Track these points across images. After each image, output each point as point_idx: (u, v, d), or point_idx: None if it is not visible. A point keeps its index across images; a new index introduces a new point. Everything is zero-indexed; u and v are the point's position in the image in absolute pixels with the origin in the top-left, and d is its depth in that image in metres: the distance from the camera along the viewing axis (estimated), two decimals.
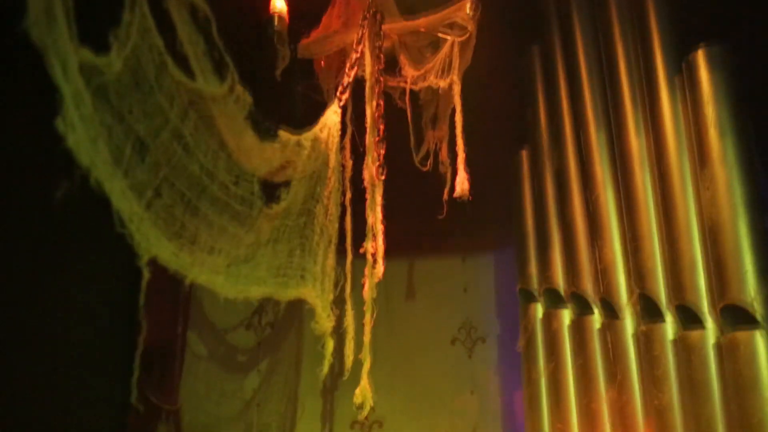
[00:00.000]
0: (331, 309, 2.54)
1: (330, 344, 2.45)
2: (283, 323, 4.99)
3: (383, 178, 2.96)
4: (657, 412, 3.27)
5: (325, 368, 2.43)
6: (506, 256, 4.74)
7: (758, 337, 2.86)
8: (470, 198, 3.38)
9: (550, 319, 4.00)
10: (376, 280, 2.94)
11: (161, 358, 4.57)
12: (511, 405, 4.70)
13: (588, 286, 3.75)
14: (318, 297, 2.42)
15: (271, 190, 2.25)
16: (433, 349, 4.89)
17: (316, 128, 2.53)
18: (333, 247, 2.59)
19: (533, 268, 4.15)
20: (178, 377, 4.68)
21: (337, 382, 4.88)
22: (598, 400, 3.64)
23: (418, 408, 4.81)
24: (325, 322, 2.44)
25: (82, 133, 1.76)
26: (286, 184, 2.32)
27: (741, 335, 2.89)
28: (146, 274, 1.79)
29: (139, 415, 4.51)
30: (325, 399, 4.86)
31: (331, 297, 2.56)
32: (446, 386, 4.83)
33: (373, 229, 2.95)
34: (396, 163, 3.31)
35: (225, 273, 2.05)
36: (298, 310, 4.98)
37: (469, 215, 4.62)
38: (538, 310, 4.13)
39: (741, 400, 2.85)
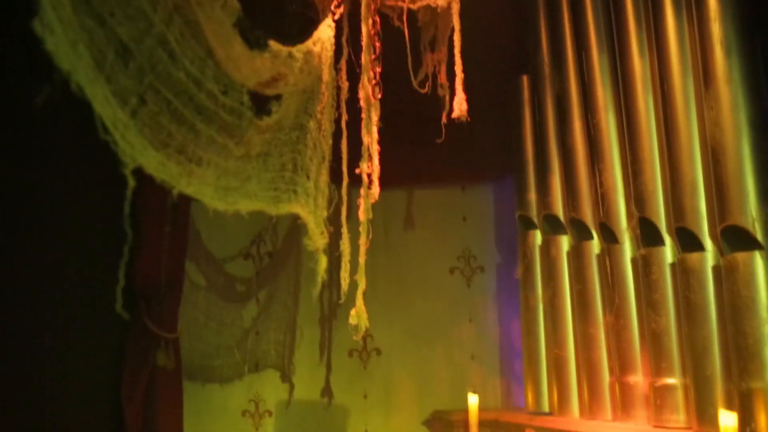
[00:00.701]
0: (325, 226, 2.50)
1: (323, 261, 2.42)
2: (281, 253, 4.98)
3: (379, 96, 2.89)
4: (654, 336, 3.26)
5: (318, 285, 2.41)
6: (506, 185, 4.70)
7: (758, 258, 2.82)
8: (468, 119, 3.31)
9: (549, 246, 3.98)
10: (371, 201, 2.90)
11: (159, 288, 4.57)
12: (509, 333, 4.72)
13: (587, 211, 3.71)
14: (311, 213, 2.38)
15: (262, 103, 2.18)
16: (432, 279, 4.89)
17: (309, 42, 2.45)
18: (326, 164, 2.54)
19: (533, 195, 4.11)
20: (177, 306, 4.69)
21: (336, 310, 4.89)
22: (595, 325, 3.64)
23: (416, 336, 4.84)
24: (318, 238, 2.41)
25: (62, 36, 1.69)
26: (278, 97, 2.25)
27: (740, 256, 2.85)
28: (131, 183, 1.75)
29: (138, 343, 4.54)
30: (323, 327, 4.89)
31: (324, 214, 2.52)
32: (445, 315, 4.85)
33: (368, 150, 2.90)
34: (395, 93, 3.25)
35: (214, 185, 2.00)
36: (297, 240, 4.97)
37: (469, 144, 4.56)
38: (537, 236, 4.11)
39: (738, 321, 2.83)
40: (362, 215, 2.94)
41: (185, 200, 4.73)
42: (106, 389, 4.61)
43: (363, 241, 2.93)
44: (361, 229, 2.93)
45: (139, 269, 4.53)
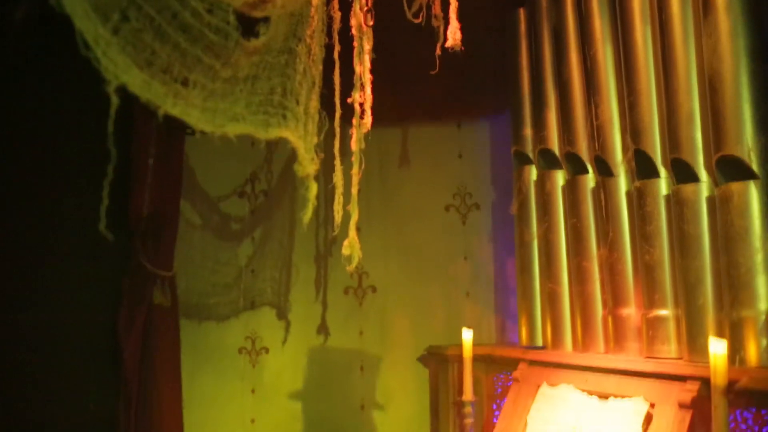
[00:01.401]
0: (315, 152, 2.48)
1: (314, 188, 2.40)
2: (276, 191, 4.97)
3: (371, 24, 2.84)
4: (647, 268, 3.26)
5: (309, 212, 2.39)
6: (502, 122, 4.65)
7: (752, 188, 2.81)
8: (462, 49, 3.25)
9: (544, 181, 3.96)
10: (364, 131, 2.88)
11: (154, 226, 4.57)
12: (504, 270, 4.74)
13: (583, 145, 3.68)
14: (300, 138, 2.35)
15: (249, 25, 2.14)
16: (427, 216, 4.89)
17: None
18: (317, 90, 2.50)
19: (528, 130, 4.07)
20: (172, 245, 4.69)
21: (331, 248, 4.90)
22: (589, 258, 3.64)
23: (411, 274, 4.86)
24: (308, 164, 2.38)
25: None
26: (266, 20, 2.20)
27: (735, 186, 2.83)
28: (115, 101, 1.71)
29: (134, 280, 4.56)
30: (318, 265, 4.90)
31: (315, 140, 2.49)
32: (440, 252, 4.85)
33: (361, 79, 2.86)
34: (390, 29, 3.19)
35: (201, 107, 1.97)
36: (292, 179, 4.95)
37: (464, 79, 4.51)
38: (533, 172, 4.09)
39: (731, 251, 2.83)
40: (354, 145, 2.92)
41: (179, 137, 4.70)
42: (103, 326, 4.64)
43: (355, 172, 2.92)
44: (353, 159, 2.92)
45: (133, 206, 4.52)
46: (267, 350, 4.84)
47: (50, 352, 4.65)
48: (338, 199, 3.04)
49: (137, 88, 1.80)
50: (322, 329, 4.83)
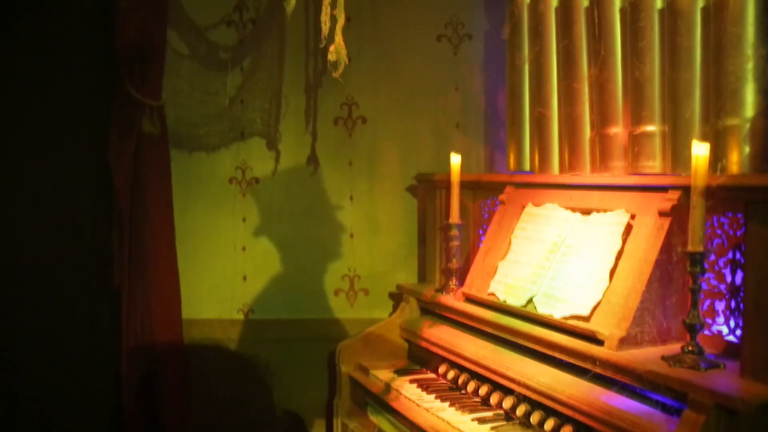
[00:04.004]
0: None
1: None
2: (264, 20, 4.85)
3: None
4: (636, 84, 3.24)
5: (292, 4, 2.34)
6: None
7: None
8: None
9: (537, 3, 3.86)
10: None
11: (141, 56, 4.49)
12: (495, 102, 4.71)
13: None
14: None
15: None
16: (418, 47, 4.80)
17: None
18: None
19: None
20: (160, 74, 4.63)
21: (321, 79, 4.85)
22: (580, 79, 3.61)
23: (401, 104, 4.83)
24: None
25: None
26: None
27: None
28: None
29: (123, 110, 4.54)
30: (308, 96, 4.86)
31: None
32: (431, 83, 4.81)
33: None
34: None
35: None
36: (280, 7, 4.81)
37: None
38: None
39: (722, 59, 2.80)
40: None
41: None
42: (94, 156, 4.67)
43: None
44: None
45: (118, 31, 4.43)
46: (257, 180, 4.88)
47: (41, 176, 4.70)
48: (325, 10, 2.98)
49: None
50: (312, 160, 4.85)
